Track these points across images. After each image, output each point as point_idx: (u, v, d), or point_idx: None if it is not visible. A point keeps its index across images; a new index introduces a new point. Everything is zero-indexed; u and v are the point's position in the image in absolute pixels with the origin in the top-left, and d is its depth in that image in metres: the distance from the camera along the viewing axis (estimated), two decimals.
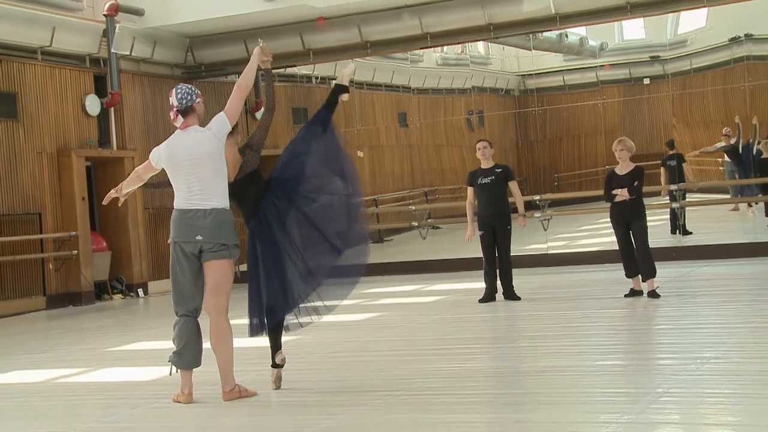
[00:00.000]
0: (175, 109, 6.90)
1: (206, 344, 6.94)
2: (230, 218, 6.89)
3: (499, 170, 11.47)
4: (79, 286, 15.46)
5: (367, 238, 7.54)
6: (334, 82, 7.75)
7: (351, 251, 7.21)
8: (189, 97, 6.89)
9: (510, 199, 11.63)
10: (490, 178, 11.41)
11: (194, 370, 6.94)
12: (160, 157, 6.94)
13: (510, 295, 11.37)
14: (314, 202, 7.14)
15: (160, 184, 17.16)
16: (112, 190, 7.34)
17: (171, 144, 6.92)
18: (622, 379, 6.93)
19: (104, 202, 7.52)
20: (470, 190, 11.56)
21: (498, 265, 11.41)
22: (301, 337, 8.66)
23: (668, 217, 16.33)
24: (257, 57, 7.14)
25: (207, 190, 6.79)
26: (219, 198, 6.83)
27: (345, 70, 7.73)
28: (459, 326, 10.05)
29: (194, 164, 6.77)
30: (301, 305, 7.08)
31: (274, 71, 7.65)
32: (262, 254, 7.01)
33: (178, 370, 6.93)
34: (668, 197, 16.12)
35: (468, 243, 11.65)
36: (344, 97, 7.51)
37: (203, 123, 7.00)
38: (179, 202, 6.88)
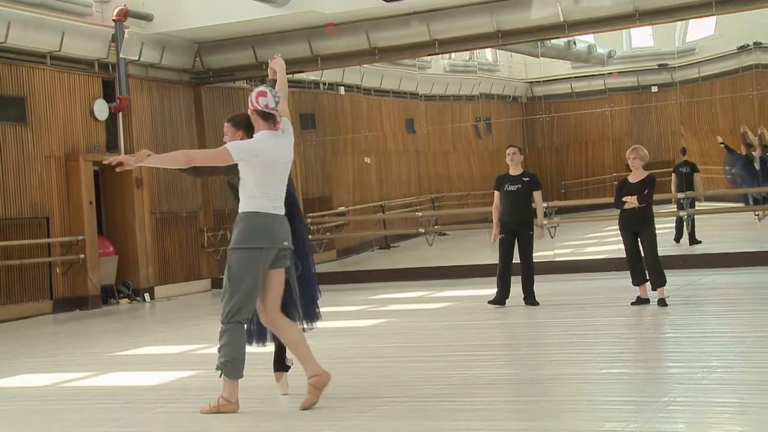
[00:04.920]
0: (272, 109, 6.52)
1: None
2: None
3: (527, 179, 11.46)
4: (85, 290, 15.48)
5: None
6: None
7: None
8: (278, 97, 6.62)
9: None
10: (517, 186, 11.40)
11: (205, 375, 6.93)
12: (257, 152, 6.41)
13: (530, 300, 11.36)
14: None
15: (167, 188, 17.21)
16: (128, 156, 6.47)
17: (276, 143, 6.50)
18: (628, 387, 6.92)
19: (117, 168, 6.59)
20: (497, 194, 11.52)
21: (521, 271, 11.40)
22: (307, 343, 8.64)
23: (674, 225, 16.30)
24: (280, 67, 7.03)
25: (283, 196, 6.65)
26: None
27: None
28: (465, 333, 10.05)
29: (286, 168, 6.62)
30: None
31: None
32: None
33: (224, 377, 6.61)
34: (676, 205, 16.09)
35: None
36: None
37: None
38: (267, 206, 6.47)
